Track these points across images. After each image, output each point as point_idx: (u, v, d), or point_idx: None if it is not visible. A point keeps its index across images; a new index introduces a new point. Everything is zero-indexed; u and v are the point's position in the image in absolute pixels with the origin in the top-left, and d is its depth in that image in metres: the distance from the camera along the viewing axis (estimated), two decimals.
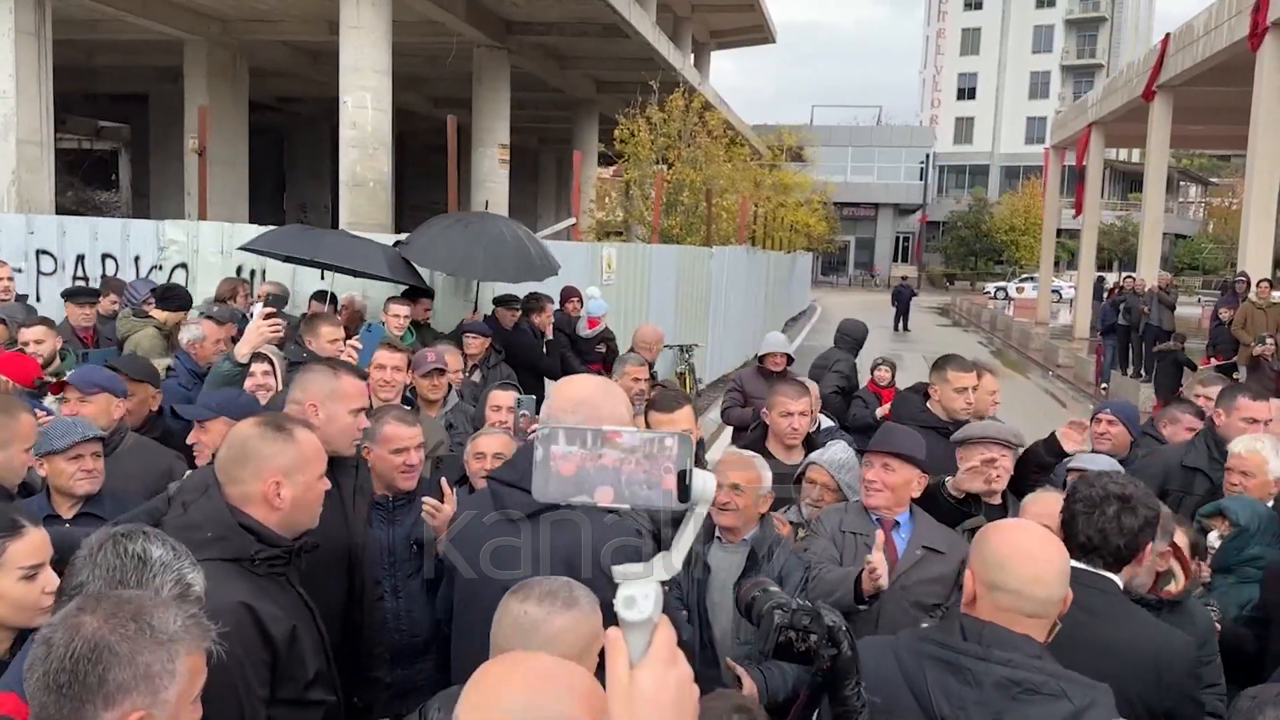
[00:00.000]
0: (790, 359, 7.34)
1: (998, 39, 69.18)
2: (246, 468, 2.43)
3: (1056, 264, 47.59)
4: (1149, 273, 21.71)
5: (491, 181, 21.34)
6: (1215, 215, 60.50)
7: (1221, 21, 18.39)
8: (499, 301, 7.84)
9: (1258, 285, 13.38)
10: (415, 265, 7.92)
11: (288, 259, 7.78)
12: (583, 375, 3.62)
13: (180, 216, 21.47)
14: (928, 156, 63.86)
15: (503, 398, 4.35)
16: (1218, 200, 62.65)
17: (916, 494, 3.46)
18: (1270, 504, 3.79)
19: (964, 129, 70.33)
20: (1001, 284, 50.92)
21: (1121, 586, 2.68)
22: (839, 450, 3.99)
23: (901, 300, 31.58)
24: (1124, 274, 22.37)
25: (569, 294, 8.55)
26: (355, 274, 7.73)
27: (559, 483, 1.26)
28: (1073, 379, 19.44)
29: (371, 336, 4.41)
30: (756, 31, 43.82)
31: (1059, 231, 42.16)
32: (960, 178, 68.06)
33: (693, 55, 43.62)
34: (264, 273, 8.13)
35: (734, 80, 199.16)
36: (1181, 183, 72.52)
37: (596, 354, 8.23)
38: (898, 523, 3.42)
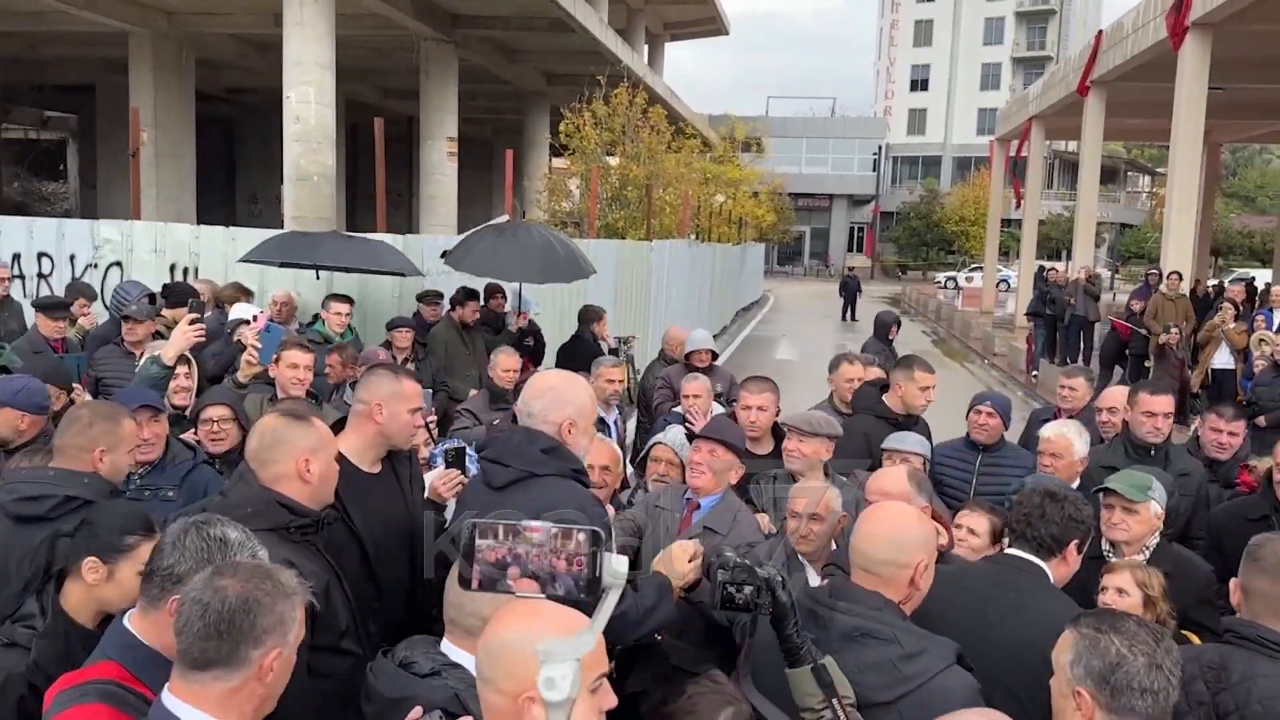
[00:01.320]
0: (715, 355, 7.71)
1: (950, 31, 70.03)
2: (279, 450, 2.81)
3: (1006, 254, 48.39)
4: (1083, 263, 22.36)
5: (440, 174, 21.51)
6: (1163, 205, 61.84)
7: (1148, 20, 18.92)
8: (421, 297, 8.15)
9: (1168, 278, 13.94)
10: (454, 269, 8.44)
11: (284, 264, 8.11)
12: (552, 369, 4.08)
13: (126, 209, 21.48)
14: (880, 148, 64.57)
15: None
16: (1165, 190, 64.08)
17: (734, 480, 3.89)
18: (1076, 483, 4.21)
19: (917, 120, 71.17)
20: (952, 274, 51.70)
21: (1050, 575, 2.96)
22: (680, 432, 4.45)
23: (849, 291, 32.13)
24: (1047, 266, 22.95)
25: (494, 290, 8.85)
26: (349, 270, 8.07)
27: (486, 568, 1.48)
28: (1007, 367, 20.03)
29: (270, 336, 4.68)
30: (709, 23, 44.18)
31: (1008, 222, 42.95)
32: (914, 168, 68.90)
33: (647, 47, 43.88)
34: (196, 270, 8.36)
35: (693, 70, 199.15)
36: (1130, 173, 73.86)
37: (525, 347, 8.53)
38: (699, 505, 3.83)
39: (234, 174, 36.64)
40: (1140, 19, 19.46)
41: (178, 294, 7.11)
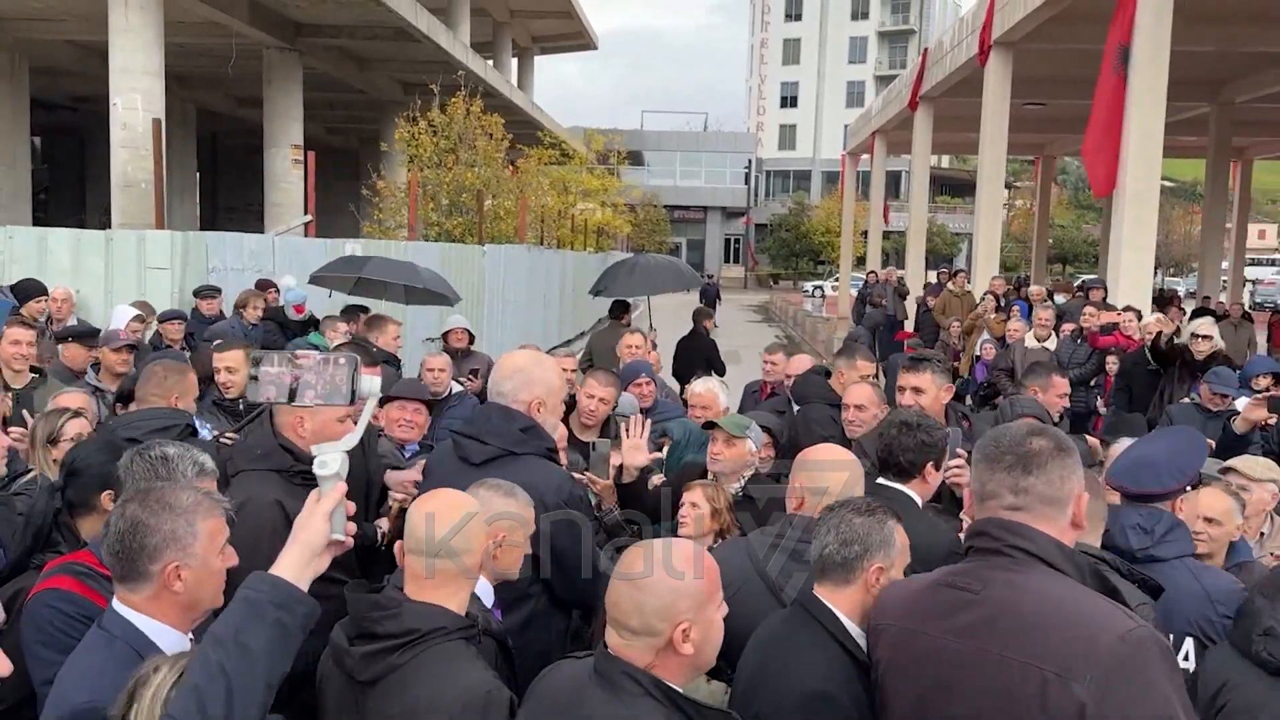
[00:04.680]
0: (472, 337, 8.13)
1: (816, 49, 72.37)
2: (283, 407, 3.14)
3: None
4: (915, 269, 23.60)
5: (286, 182, 21.44)
6: (1018, 215, 64.70)
7: (962, 39, 20.13)
8: (197, 293, 8.40)
9: (954, 277, 14.98)
10: (607, 296, 11.14)
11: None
12: (520, 350, 4.32)
13: None
14: (751, 162, 66.25)
15: None
16: (1020, 202, 67.01)
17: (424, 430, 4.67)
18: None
19: (788, 135, 73.25)
20: (819, 283, 53.30)
21: (917, 499, 3.29)
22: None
23: (708, 298, 32.95)
24: (869, 270, 24.19)
25: (265, 285, 9.12)
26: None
27: (279, 388, 1.93)
28: None
29: None
30: (577, 38, 44.82)
31: (864, 233, 44.63)
32: (785, 182, 70.84)
33: (516, 60, 44.22)
34: None
35: (580, 84, 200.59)
36: None
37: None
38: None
39: (85, 185, 35.64)
40: (956, 37, 20.68)
41: (29, 291, 7.63)
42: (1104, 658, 1.92)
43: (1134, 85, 12.13)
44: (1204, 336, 7.56)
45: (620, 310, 10.73)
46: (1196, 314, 13.21)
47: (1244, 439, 5.94)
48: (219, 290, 8.50)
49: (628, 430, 4.21)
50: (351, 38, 21.54)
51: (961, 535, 3.71)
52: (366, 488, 3.81)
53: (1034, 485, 2.17)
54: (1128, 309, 9.40)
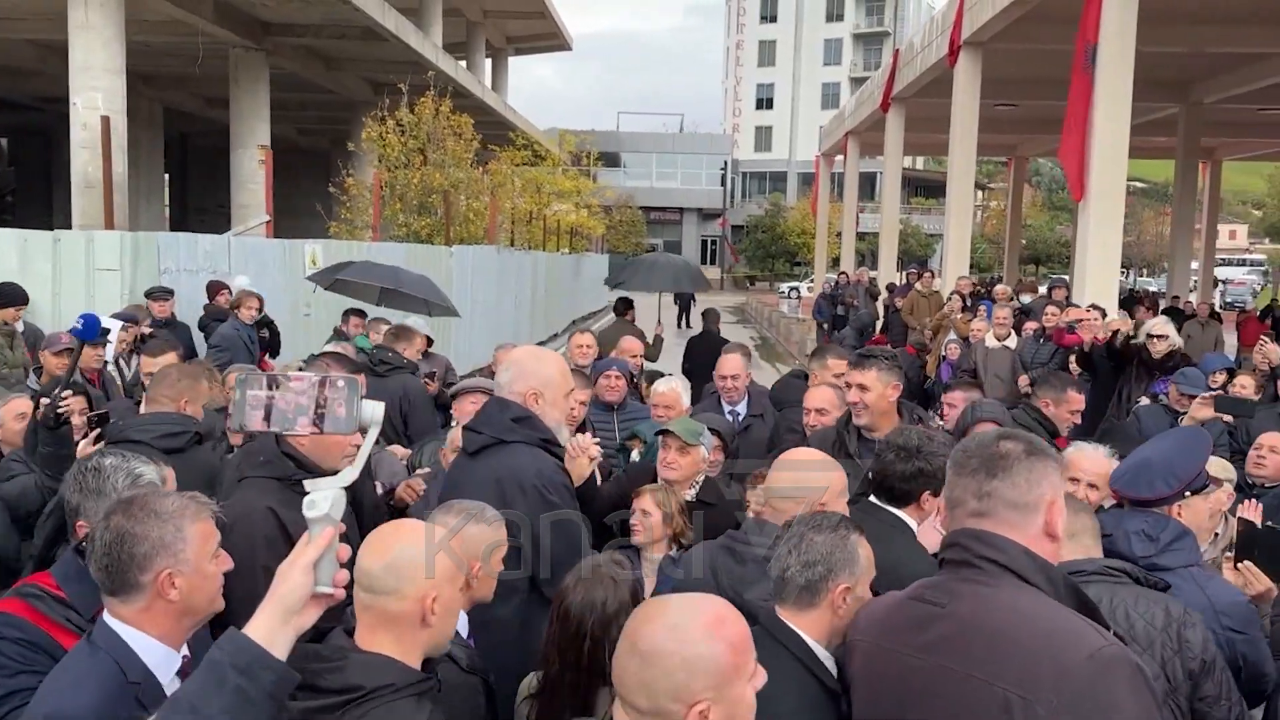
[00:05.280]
0: (430, 340, 8.00)
1: (791, 51, 72.56)
2: None
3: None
4: (887, 270, 23.60)
5: (253, 183, 21.17)
6: (992, 216, 65.09)
7: (932, 40, 20.13)
8: (149, 294, 8.23)
9: (921, 277, 14.97)
10: (625, 290, 11.67)
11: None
12: (521, 345, 4.41)
13: None
14: (727, 163, 66.29)
15: None
16: (994, 203, 67.41)
17: None
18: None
19: (763, 137, 73.43)
20: (795, 284, 53.33)
21: (912, 524, 3.07)
22: None
23: (683, 300, 32.92)
24: (840, 271, 24.19)
25: (217, 288, 8.97)
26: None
27: (275, 414, 1.69)
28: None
29: None
30: (552, 38, 44.64)
31: (839, 234, 44.66)
32: (761, 184, 71.01)
33: (490, 60, 44.02)
34: None
35: (555, 86, 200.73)
36: None
37: (260, 340, 8.69)
38: None
39: (52, 186, 35.21)
40: (926, 38, 20.68)
41: (8, 297, 7.60)
42: (1070, 679, 1.83)
43: (1100, 83, 12.12)
44: (1159, 336, 7.53)
45: (624, 307, 11.05)
46: (1165, 314, 13.27)
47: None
48: (171, 292, 8.33)
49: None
50: (319, 37, 21.31)
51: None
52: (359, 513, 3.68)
53: (998, 489, 2.06)
54: (1093, 307, 9.37)
